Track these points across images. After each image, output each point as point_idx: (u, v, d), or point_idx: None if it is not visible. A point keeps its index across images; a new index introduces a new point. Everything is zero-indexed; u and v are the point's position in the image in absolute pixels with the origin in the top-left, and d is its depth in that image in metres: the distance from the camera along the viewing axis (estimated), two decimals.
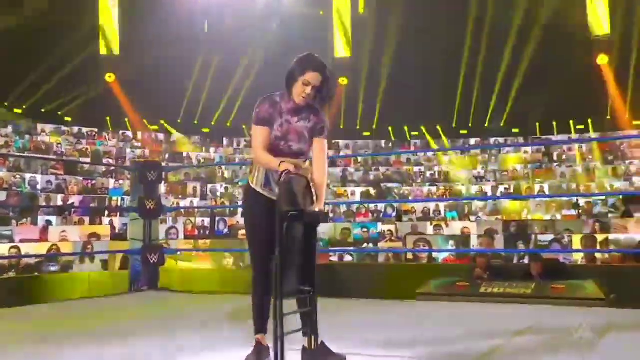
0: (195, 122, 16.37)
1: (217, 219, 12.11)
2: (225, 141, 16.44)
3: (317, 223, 2.58)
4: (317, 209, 2.63)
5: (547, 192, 13.89)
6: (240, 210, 11.03)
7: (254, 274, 2.81)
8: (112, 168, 13.63)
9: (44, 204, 12.09)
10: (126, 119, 15.52)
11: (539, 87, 14.65)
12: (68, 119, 14.97)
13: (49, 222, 10.75)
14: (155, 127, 15.81)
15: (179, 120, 16.17)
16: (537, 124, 15.50)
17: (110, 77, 15.25)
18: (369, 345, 2.98)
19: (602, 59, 14.78)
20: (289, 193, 2.47)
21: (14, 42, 13.30)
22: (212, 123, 16.46)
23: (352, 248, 10.25)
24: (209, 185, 14.42)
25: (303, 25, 15.47)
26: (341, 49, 16.47)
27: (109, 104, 15.10)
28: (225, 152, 16.15)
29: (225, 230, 11.90)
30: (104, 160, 14.12)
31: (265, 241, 2.68)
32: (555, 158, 15.15)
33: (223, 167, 15.18)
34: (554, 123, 15.24)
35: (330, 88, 2.83)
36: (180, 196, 13.83)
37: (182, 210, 12.68)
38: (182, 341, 3.40)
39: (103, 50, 15.30)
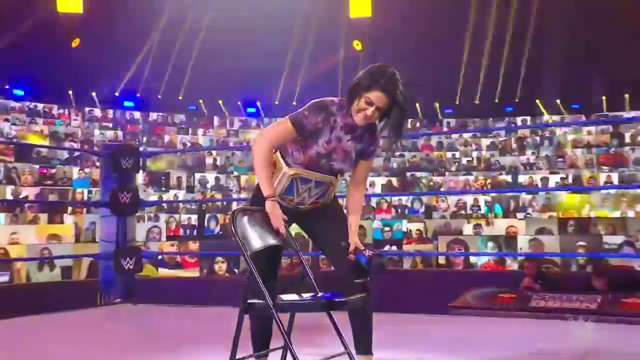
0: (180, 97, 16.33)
1: (207, 216, 12.13)
2: (216, 121, 16.43)
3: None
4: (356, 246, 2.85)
5: (616, 183, 13.76)
6: (235, 204, 11.05)
7: (261, 279, 2.78)
8: (77, 153, 13.64)
9: None
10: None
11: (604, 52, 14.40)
12: (19, 92, 14.72)
13: None
14: None
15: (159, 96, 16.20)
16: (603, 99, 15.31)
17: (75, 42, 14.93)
18: None
19: None
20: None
21: None
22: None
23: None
24: (197, 175, 14.44)
25: None
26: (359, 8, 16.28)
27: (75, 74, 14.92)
28: (216, 134, 16.15)
29: (217, 230, 11.91)
30: (66, 144, 14.09)
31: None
32: (627, 140, 14.97)
33: (213, 152, 15.16)
34: (626, 97, 15.01)
35: (402, 120, 2.84)
36: (162, 188, 13.85)
37: (164, 205, 12.70)
38: None
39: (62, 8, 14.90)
